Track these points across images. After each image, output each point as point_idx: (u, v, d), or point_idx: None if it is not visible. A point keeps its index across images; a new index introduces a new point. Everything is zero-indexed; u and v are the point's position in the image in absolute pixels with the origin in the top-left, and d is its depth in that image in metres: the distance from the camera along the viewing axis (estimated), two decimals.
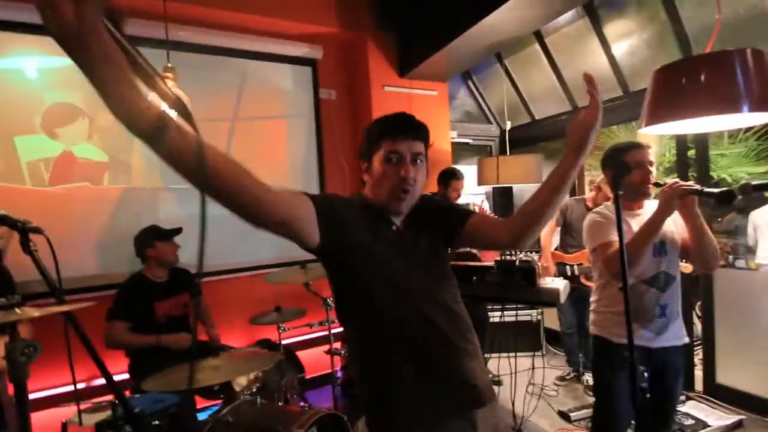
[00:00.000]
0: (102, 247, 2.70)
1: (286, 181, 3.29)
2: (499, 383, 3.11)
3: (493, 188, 4.47)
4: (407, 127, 1.01)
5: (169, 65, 1.99)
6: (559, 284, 2.09)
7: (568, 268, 3.10)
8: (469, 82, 4.37)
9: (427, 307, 0.97)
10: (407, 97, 3.47)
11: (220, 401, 2.36)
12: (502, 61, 3.93)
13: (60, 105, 2.64)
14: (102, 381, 1.70)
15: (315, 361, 3.11)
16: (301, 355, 2.95)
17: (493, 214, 3.48)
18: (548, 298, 2.07)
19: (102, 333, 2.11)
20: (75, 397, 0.94)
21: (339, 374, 3.03)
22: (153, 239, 2.34)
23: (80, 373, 2.72)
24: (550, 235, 3.22)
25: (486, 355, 3.03)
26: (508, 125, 3.94)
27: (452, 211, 1.15)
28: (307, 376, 2.97)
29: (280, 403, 2.29)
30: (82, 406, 1.26)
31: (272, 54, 3.22)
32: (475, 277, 2.20)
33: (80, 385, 2.56)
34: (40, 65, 2.60)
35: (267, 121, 3.27)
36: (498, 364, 3.07)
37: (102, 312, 2.16)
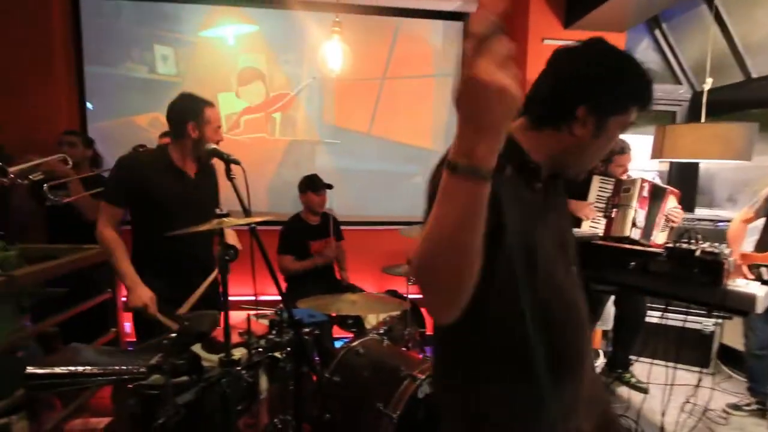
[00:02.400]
0: (271, 188, 3.22)
1: (428, 141, 3.31)
2: (644, 391, 2.69)
3: (672, 164, 3.66)
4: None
5: (337, 19, 2.20)
6: (758, 290, 1.62)
7: (764, 271, 2.38)
8: (656, 32, 3.54)
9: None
10: None
11: (351, 334, 2.67)
12: (712, 1, 3.04)
13: (247, 69, 3.15)
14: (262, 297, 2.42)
15: None
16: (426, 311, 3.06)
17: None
18: (738, 305, 1.63)
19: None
20: (254, 302, 1.15)
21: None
22: (306, 188, 2.72)
23: (245, 288, 3.34)
24: (742, 226, 2.50)
25: (634, 358, 2.64)
26: (708, 84, 3.10)
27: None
28: (428, 332, 3.09)
29: (403, 348, 2.43)
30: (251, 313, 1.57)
31: (425, 10, 3.17)
32: (633, 264, 1.88)
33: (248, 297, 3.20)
34: (236, 33, 3.12)
35: (414, 79, 3.29)
36: (649, 370, 2.64)
37: (272, 242, 2.62)
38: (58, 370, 0.82)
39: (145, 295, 1.43)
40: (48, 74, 2.95)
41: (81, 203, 2.37)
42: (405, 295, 2.63)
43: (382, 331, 2.32)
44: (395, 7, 3.14)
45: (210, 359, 1.07)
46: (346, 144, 3.24)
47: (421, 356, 2.52)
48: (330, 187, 2.76)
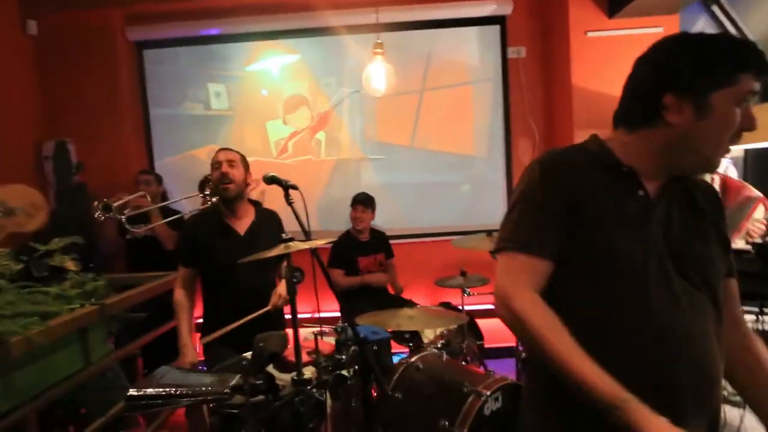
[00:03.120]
0: (320, 207, 3.33)
1: (471, 148, 3.28)
2: (741, 405, 2.41)
3: (746, 151, 3.32)
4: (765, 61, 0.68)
5: (379, 41, 2.28)
6: None
7: None
8: (714, 8, 3.28)
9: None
10: (619, 42, 2.87)
11: (408, 349, 2.65)
12: None
13: (292, 97, 3.31)
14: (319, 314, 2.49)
15: (495, 331, 3.08)
16: (482, 323, 2.98)
17: (743, 183, 2.57)
18: None
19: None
20: (318, 319, 1.19)
21: (522, 348, 2.95)
22: (352, 205, 2.79)
23: (303, 305, 3.40)
24: None
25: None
26: None
27: (724, 223, 0.79)
28: (486, 345, 2.99)
29: (462, 362, 2.37)
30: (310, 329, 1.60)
31: (459, 19, 3.17)
32: None
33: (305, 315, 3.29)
34: (280, 63, 3.30)
35: (452, 89, 3.28)
36: None
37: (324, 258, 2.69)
38: (153, 391, 0.89)
39: (188, 357, 1.64)
40: (120, 119, 3.29)
41: (160, 234, 2.64)
42: (460, 308, 2.58)
43: (440, 345, 2.28)
44: (431, 20, 3.17)
45: (282, 378, 1.10)
46: (390, 158, 3.28)
47: (483, 371, 2.45)
48: (369, 203, 2.79)
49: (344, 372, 1.17)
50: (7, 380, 1.20)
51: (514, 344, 2.47)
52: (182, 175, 3.30)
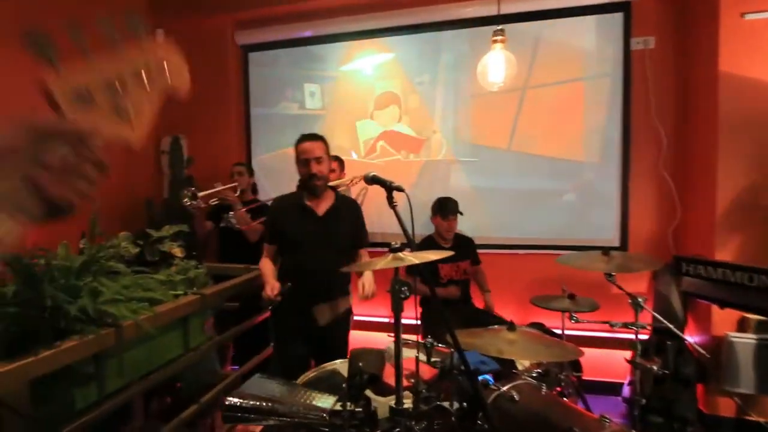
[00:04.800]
0: (405, 209, 3.20)
1: (579, 153, 2.90)
2: None
3: None
4: None
5: (499, 28, 2.15)
6: None
7: None
8: None
9: None
10: None
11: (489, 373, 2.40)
12: None
13: (384, 93, 3.24)
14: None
15: (596, 363, 2.69)
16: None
17: None
18: None
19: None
20: (418, 343, 1.04)
21: (626, 389, 2.53)
22: (435, 212, 2.61)
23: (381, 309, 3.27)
24: None
25: None
26: None
27: None
28: (584, 377, 2.61)
29: (564, 399, 2.06)
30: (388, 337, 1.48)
31: (574, 7, 2.82)
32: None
33: (383, 319, 3.20)
34: (374, 63, 3.25)
35: (560, 86, 2.93)
36: None
37: None
38: (250, 404, 0.83)
39: (268, 291, 1.72)
40: (225, 118, 3.53)
41: (243, 226, 2.76)
42: (559, 332, 2.27)
43: (535, 374, 2.01)
44: (540, 10, 2.87)
45: (378, 401, 0.98)
46: (483, 162, 3.04)
47: (593, 414, 2.11)
48: (460, 213, 2.60)
49: (445, 404, 1.01)
50: (120, 360, 1.26)
51: (618, 380, 2.08)
52: (275, 172, 3.44)
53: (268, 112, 3.53)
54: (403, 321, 0.96)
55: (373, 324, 3.16)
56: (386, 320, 3.17)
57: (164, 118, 3.57)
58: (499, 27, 2.20)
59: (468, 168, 3.07)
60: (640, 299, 1.91)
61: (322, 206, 1.86)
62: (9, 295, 0.97)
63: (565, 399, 2.08)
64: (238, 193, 2.92)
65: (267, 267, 1.88)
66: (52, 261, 1.13)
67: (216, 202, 2.98)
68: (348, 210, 1.96)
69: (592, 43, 2.88)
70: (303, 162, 1.83)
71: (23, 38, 0.34)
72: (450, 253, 1.19)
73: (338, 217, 1.87)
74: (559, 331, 2.25)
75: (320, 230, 1.81)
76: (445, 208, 2.58)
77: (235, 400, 0.85)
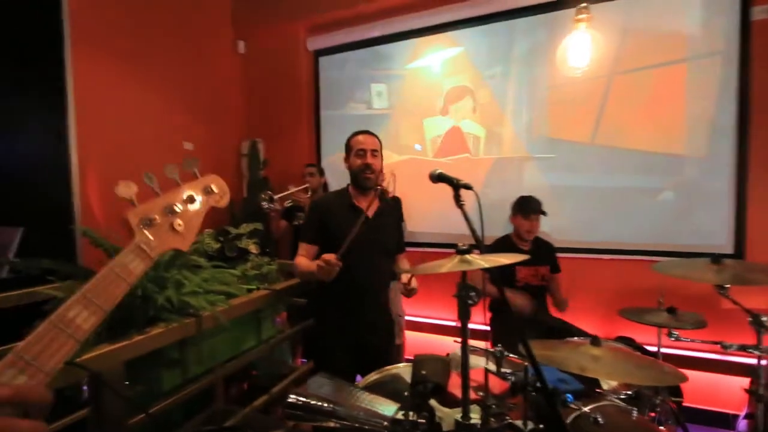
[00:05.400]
0: (475, 209, 3.07)
1: (681, 145, 2.52)
2: None
3: None
4: None
5: (584, 5, 1.99)
6: None
7: None
8: None
9: None
10: None
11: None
12: None
13: (455, 87, 3.14)
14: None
15: (701, 388, 2.31)
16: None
17: None
18: None
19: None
20: (486, 351, 0.96)
21: (742, 423, 2.14)
22: (516, 211, 2.42)
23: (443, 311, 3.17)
24: None
25: None
26: None
27: None
28: (685, 403, 2.26)
29: (661, 428, 1.80)
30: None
31: None
32: None
33: (446, 322, 3.09)
34: (441, 58, 3.17)
35: (656, 69, 2.58)
36: None
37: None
38: (313, 403, 0.82)
39: (326, 259, 1.49)
40: (297, 121, 3.70)
41: None
42: (653, 349, 1.98)
43: (624, 396, 1.77)
44: None
45: (442, 412, 0.92)
46: (562, 157, 2.79)
47: None
48: (543, 213, 2.39)
49: (518, 423, 0.92)
50: (200, 348, 1.35)
51: (729, 411, 1.75)
52: (343, 173, 3.50)
53: (336, 114, 3.62)
54: (470, 326, 0.89)
55: (431, 326, 3.08)
56: (446, 323, 3.06)
57: (244, 124, 3.85)
58: (583, 4, 1.98)
59: (544, 165, 2.84)
60: (764, 318, 1.58)
61: (372, 207, 1.73)
62: None
63: (662, 428, 1.81)
64: (310, 194, 3.03)
65: (306, 260, 1.71)
66: None
67: (290, 203, 3.13)
68: (394, 210, 1.87)
69: (696, 17, 2.48)
70: (358, 153, 1.73)
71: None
72: (524, 256, 1.08)
73: (386, 219, 1.79)
74: (653, 349, 1.97)
75: (371, 232, 1.67)
76: (528, 206, 2.40)
77: (298, 398, 0.85)
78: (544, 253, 2.43)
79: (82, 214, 2.60)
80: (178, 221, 0.57)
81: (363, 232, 1.56)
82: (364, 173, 1.70)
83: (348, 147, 1.80)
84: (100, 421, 0.95)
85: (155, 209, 0.57)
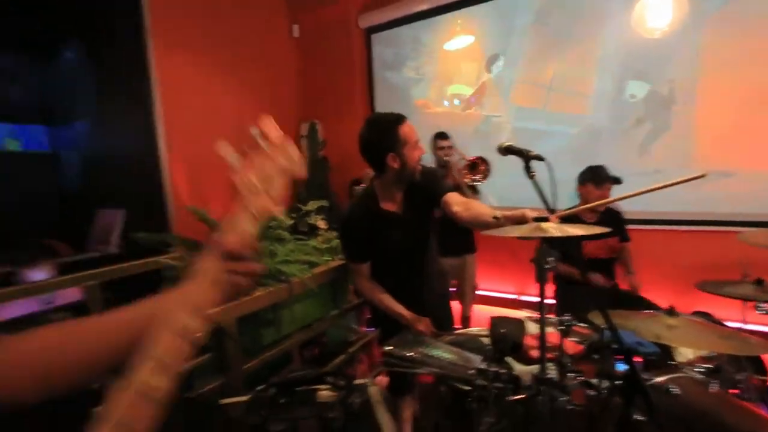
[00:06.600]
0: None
1: None
2: None
3: None
4: None
5: None
6: None
7: None
8: None
9: None
10: None
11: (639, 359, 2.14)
12: None
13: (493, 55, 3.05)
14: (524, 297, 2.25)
15: None
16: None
17: None
18: None
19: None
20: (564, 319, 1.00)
21: None
22: (587, 179, 2.33)
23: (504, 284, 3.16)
24: None
25: None
26: None
27: None
28: None
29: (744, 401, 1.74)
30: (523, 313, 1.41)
31: None
32: None
33: (506, 295, 3.12)
34: (488, 27, 3.08)
35: None
36: None
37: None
38: (408, 354, 0.93)
39: (422, 325, 1.38)
40: (352, 100, 3.80)
41: None
42: (735, 324, 1.88)
43: (701, 369, 1.72)
44: None
45: (518, 369, 0.99)
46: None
47: None
48: (618, 181, 2.29)
49: (592, 381, 0.97)
50: (287, 312, 1.53)
51: None
52: None
53: (390, 90, 3.68)
54: (528, 298, 0.92)
55: (495, 299, 3.12)
56: (510, 296, 3.09)
57: (301, 106, 4.02)
58: None
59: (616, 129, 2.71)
60: None
61: (396, 204, 1.51)
62: None
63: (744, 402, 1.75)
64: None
65: (385, 297, 1.50)
66: None
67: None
68: (414, 191, 1.53)
69: None
70: (417, 144, 1.45)
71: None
72: (601, 229, 1.08)
73: (416, 201, 1.51)
74: (735, 324, 1.87)
75: (408, 233, 1.49)
76: (599, 174, 2.32)
77: (394, 349, 0.96)
78: (612, 223, 2.35)
79: (173, 195, 2.93)
80: (271, 188, 0.59)
81: (398, 234, 1.43)
82: (418, 165, 1.46)
83: (397, 138, 1.42)
84: (221, 365, 1.14)
85: (255, 176, 0.58)
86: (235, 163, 0.59)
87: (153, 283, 1.54)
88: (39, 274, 2.12)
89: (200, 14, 3.14)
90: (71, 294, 1.85)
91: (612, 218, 2.35)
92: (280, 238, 1.58)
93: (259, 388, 0.94)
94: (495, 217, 1.21)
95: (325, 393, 0.94)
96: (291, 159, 0.62)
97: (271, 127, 0.64)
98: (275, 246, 1.44)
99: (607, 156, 2.58)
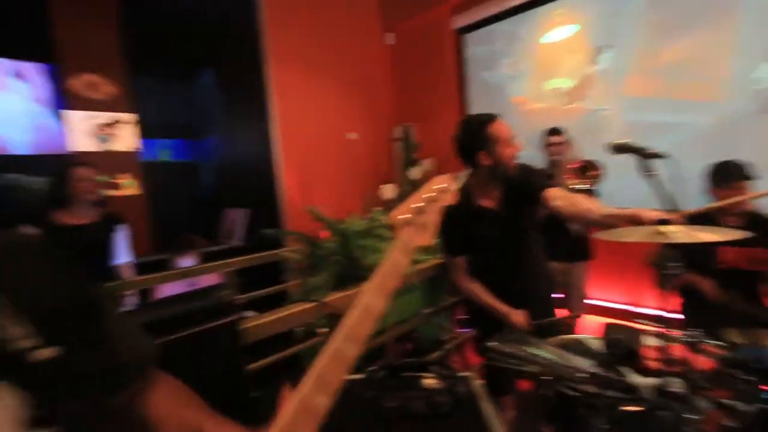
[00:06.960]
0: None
1: None
2: None
3: None
4: None
5: None
6: None
7: None
8: None
9: None
10: None
11: None
12: None
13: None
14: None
15: None
16: None
17: None
18: None
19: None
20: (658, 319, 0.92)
21: None
22: (718, 181, 1.98)
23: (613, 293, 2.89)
24: None
25: None
26: None
27: None
28: None
29: None
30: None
31: None
32: None
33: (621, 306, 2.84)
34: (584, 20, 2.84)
35: None
36: None
37: None
38: (509, 350, 0.95)
39: (519, 316, 1.39)
40: (446, 102, 3.84)
41: None
42: None
43: None
44: None
45: (634, 379, 0.94)
46: None
47: None
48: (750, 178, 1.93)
49: (724, 401, 0.87)
50: (395, 303, 1.63)
51: None
52: None
53: (483, 89, 3.63)
54: (644, 310, 0.84)
55: (606, 309, 2.87)
56: (623, 306, 2.81)
57: (395, 110, 4.18)
58: None
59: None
60: None
61: (492, 200, 1.50)
62: (334, 249, 1.43)
63: None
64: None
65: (481, 291, 1.52)
66: (348, 228, 1.57)
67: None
68: (512, 186, 1.50)
69: None
70: (509, 141, 1.44)
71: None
72: (734, 234, 0.96)
73: (513, 196, 1.49)
74: None
75: (505, 229, 1.48)
76: (732, 172, 1.94)
77: (499, 344, 0.99)
78: (759, 230, 1.95)
79: (287, 197, 3.31)
80: (425, 219, 0.63)
81: (494, 231, 1.43)
82: (511, 162, 1.45)
83: (488, 136, 1.43)
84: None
85: (411, 210, 0.62)
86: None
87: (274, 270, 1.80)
88: (187, 261, 2.58)
89: (307, 33, 3.48)
90: (211, 278, 2.24)
91: (759, 223, 1.95)
92: (383, 236, 1.70)
93: (371, 368, 1.04)
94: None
95: (429, 381, 1.01)
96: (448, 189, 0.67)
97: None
98: (379, 244, 1.56)
99: (747, 148, 2.20)
